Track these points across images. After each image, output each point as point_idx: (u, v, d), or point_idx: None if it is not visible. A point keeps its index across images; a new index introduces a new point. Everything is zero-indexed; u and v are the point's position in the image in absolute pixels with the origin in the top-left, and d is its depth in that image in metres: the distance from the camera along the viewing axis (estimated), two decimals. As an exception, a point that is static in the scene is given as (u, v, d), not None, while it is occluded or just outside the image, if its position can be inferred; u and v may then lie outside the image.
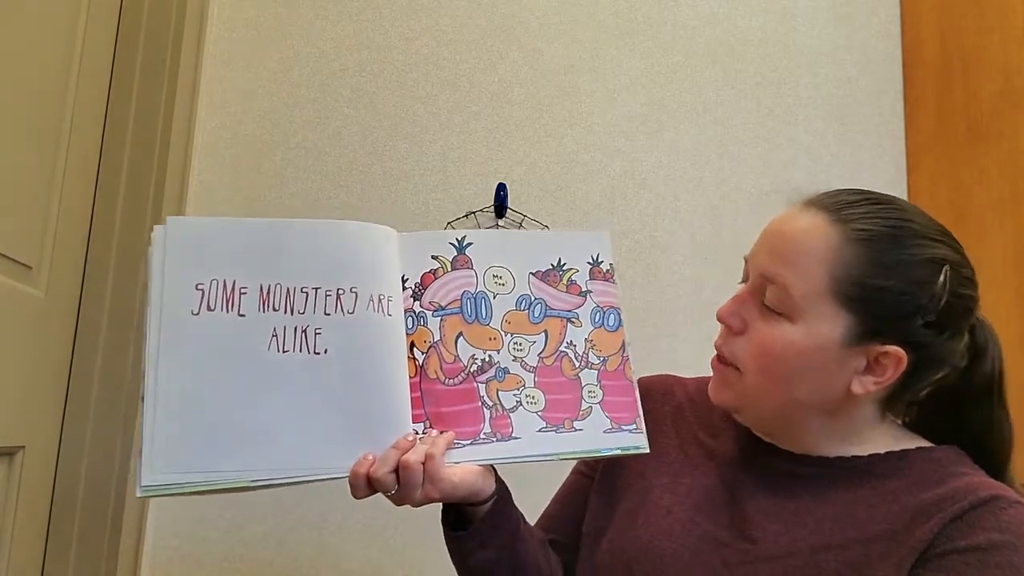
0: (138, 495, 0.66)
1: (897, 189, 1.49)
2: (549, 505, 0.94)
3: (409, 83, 1.46)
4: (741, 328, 0.75)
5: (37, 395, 1.11)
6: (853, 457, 0.75)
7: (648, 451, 0.78)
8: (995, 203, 1.31)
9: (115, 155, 1.25)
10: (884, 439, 0.76)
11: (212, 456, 0.68)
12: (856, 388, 0.72)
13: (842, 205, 0.73)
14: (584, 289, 0.82)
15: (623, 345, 0.81)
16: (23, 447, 1.07)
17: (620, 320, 0.82)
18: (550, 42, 1.50)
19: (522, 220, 1.42)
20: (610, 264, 0.84)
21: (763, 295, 0.73)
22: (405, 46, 1.47)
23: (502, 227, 1.41)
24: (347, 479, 0.71)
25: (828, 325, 0.70)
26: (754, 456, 0.80)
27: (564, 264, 0.83)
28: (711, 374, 0.80)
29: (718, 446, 0.83)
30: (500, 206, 1.40)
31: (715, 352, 0.78)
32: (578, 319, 0.81)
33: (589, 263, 0.83)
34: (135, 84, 1.27)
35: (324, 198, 1.41)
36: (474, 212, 1.41)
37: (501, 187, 1.41)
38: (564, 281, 0.82)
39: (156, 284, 0.72)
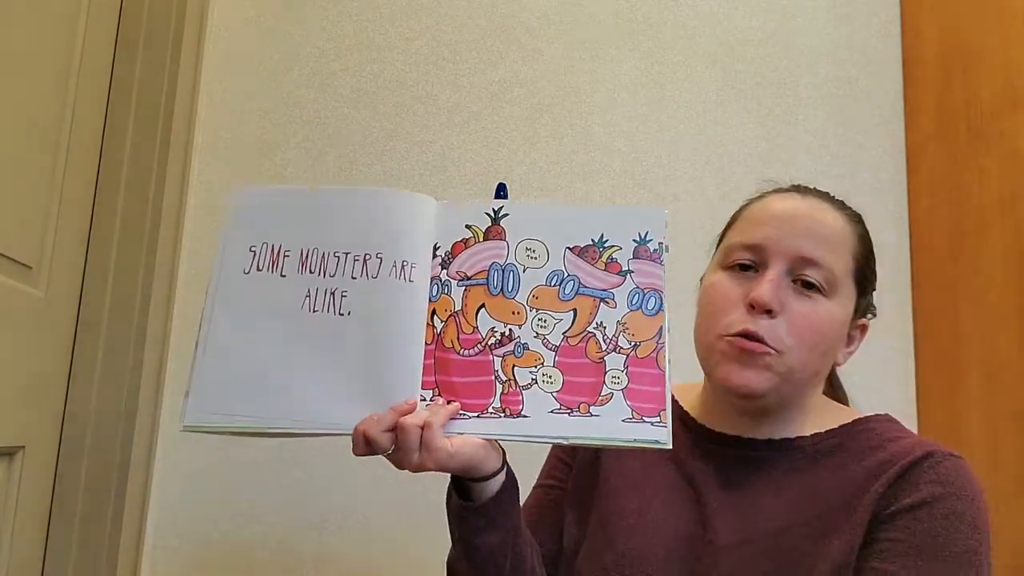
0: (180, 430, 0.75)
1: (897, 189, 1.49)
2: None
3: (409, 83, 1.46)
4: (780, 310, 0.76)
5: (37, 395, 1.11)
6: (798, 438, 0.80)
7: (670, 447, 0.72)
8: (995, 203, 1.31)
9: (115, 155, 1.25)
10: (824, 415, 0.81)
11: (242, 401, 0.75)
12: (840, 359, 0.81)
13: (834, 199, 0.83)
14: (625, 268, 0.78)
15: (660, 331, 0.76)
16: (23, 447, 1.07)
17: (661, 304, 0.77)
18: (550, 42, 1.50)
19: (522, 220, 1.42)
20: (659, 243, 0.78)
21: (797, 276, 0.77)
22: (405, 46, 1.47)
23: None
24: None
25: (848, 302, 0.79)
26: (707, 447, 0.82)
27: (606, 240, 0.78)
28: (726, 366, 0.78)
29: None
30: (500, 206, 1.40)
31: (735, 339, 0.77)
32: (612, 300, 0.77)
33: (635, 241, 0.78)
34: (135, 84, 1.27)
35: (324, 198, 1.41)
36: (474, 212, 1.41)
37: (501, 187, 1.41)
38: (604, 258, 0.78)
39: (221, 246, 0.80)
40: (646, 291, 0.77)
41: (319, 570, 1.31)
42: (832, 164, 1.50)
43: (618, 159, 1.47)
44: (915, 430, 1.42)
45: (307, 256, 0.78)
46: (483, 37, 1.49)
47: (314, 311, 0.77)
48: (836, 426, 0.80)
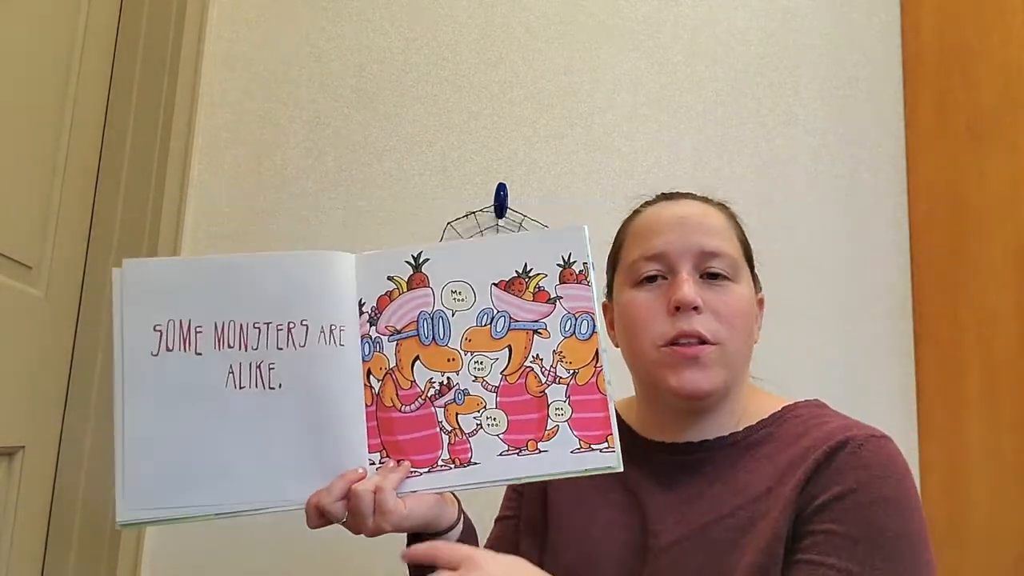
0: (117, 527, 0.72)
1: (897, 189, 1.49)
2: None
3: (409, 83, 1.46)
4: (703, 305, 0.78)
5: (37, 395, 1.11)
6: (731, 434, 0.81)
7: (621, 470, 0.74)
8: (995, 203, 1.31)
9: (115, 155, 1.25)
10: (753, 406, 0.83)
11: (178, 492, 0.72)
12: (756, 336, 0.84)
13: (697, 196, 0.87)
14: (553, 295, 0.77)
15: (596, 354, 0.76)
16: (23, 447, 1.07)
17: (594, 326, 0.76)
18: (550, 42, 1.50)
19: (522, 220, 1.42)
20: (584, 264, 0.77)
21: (704, 271, 0.80)
22: (405, 46, 1.47)
23: (503, 228, 1.41)
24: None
25: (749, 281, 0.84)
26: (645, 457, 0.83)
27: (530, 270, 0.77)
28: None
29: None
30: (500, 206, 1.40)
31: (675, 349, 0.77)
32: (546, 329, 0.76)
33: (559, 265, 0.77)
34: (135, 84, 1.27)
35: (324, 198, 1.41)
36: (474, 212, 1.41)
37: (501, 187, 1.41)
38: (531, 288, 0.77)
39: (117, 327, 0.74)
40: (577, 315, 0.77)
41: (319, 570, 1.31)
42: (832, 164, 1.50)
43: (618, 159, 1.47)
44: (915, 431, 1.42)
45: (223, 330, 0.74)
46: (483, 37, 1.49)
47: (240, 387, 0.73)
48: (766, 416, 0.82)
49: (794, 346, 1.42)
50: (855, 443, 0.73)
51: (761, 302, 0.88)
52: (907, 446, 1.39)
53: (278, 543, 1.31)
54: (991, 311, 1.30)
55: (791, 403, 0.83)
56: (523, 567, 0.69)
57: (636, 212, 0.89)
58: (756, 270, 0.88)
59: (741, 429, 0.82)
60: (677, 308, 0.78)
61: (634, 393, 0.89)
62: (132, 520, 0.72)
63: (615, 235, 0.90)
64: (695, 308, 0.78)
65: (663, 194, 0.89)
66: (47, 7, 1.07)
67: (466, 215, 1.41)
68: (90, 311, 1.20)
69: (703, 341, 0.77)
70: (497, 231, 1.42)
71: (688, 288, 0.78)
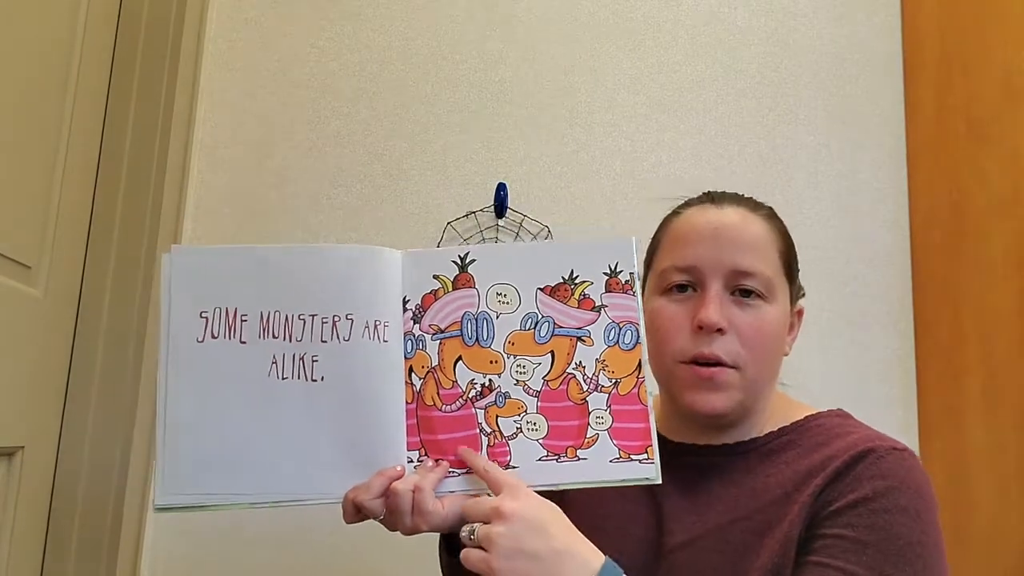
0: (153, 511, 0.73)
1: (897, 189, 1.49)
2: None
3: (409, 83, 1.46)
4: (728, 326, 0.77)
5: (37, 395, 1.11)
6: (752, 440, 0.81)
7: (659, 482, 0.74)
8: (995, 203, 1.31)
9: (115, 155, 1.25)
10: (778, 413, 0.83)
11: (215, 479, 0.72)
12: (787, 350, 0.84)
13: (742, 199, 0.84)
14: (598, 304, 0.77)
15: (639, 365, 0.76)
16: (23, 447, 1.07)
17: (638, 337, 0.76)
18: (550, 42, 1.50)
19: (522, 220, 1.42)
20: (631, 274, 0.77)
21: (735, 288, 0.79)
22: (405, 46, 1.47)
23: (502, 228, 1.41)
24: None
25: (785, 298, 0.82)
26: (666, 457, 0.82)
27: (576, 276, 0.77)
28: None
29: None
30: (500, 206, 1.40)
31: (693, 368, 0.77)
32: (589, 337, 0.76)
33: (606, 274, 0.77)
34: (135, 84, 1.27)
35: (324, 198, 1.41)
36: (474, 212, 1.41)
37: (501, 187, 1.41)
38: (576, 295, 0.77)
39: (164, 312, 0.74)
40: (622, 325, 0.77)
41: (319, 570, 1.31)
42: (832, 164, 1.50)
43: (618, 159, 1.47)
44: (915, 430, 1.41)
45: (268, 320, 0.74)
46: (483, 37, 1.49)
47: (282, 378, 0.73)
48: (788, 423, 0.81)
49: (794, 346, 1.42)
50: (876, 454, 0.73)
51: (799, 314, 0.86)
52: (908, 446, 1.39)
53: (278, 543, 1.31)
54: (991, 311, 1.30)
55: (815, 412, 0.83)
56: (555, 514, 0.69)
57: (676, 212, 0.87)
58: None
59: (763, 435, 0.82)
60: (700, 327, 0.77)
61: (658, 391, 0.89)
62: (169, 504, 0.72)
63: (655, 231, 0.89)
64: (719, 330, 0.77)
65: (707, 193, 0.87)
66: (47, 6, 1.06)
67: (466, 215, 1.41)
68: (90, 311, 1.20)
69: (722, 364, 0.77)
70: (497, 231, 1.41)
71: (713, 309, 0.77)
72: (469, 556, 0.68)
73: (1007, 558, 1.19)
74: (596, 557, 0.68)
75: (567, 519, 0.70)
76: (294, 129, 1.43)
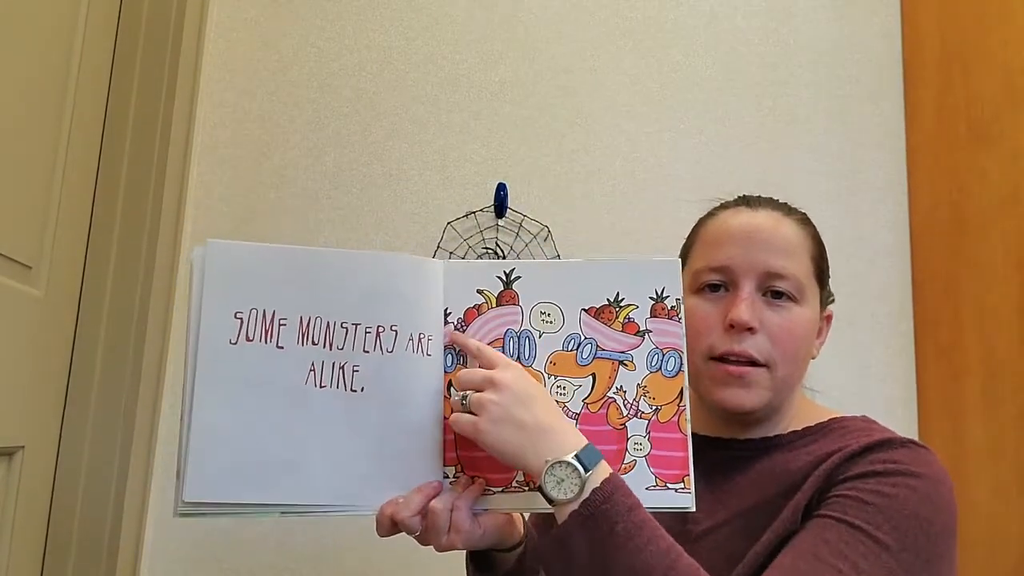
0: (175, 516, 0.68)
1: (897, 189, 1.49)
2: None
3: (409, 83, 1.46)
4: (759, 326, 0.79)
5: (37, 395, 1.11)
6: (776, 436, 0.83)
7: (695, 511, 0.74)
8: (995, 203, 1.31)
9: (115, 155, 1.24)
10: (803, 415, 0.84)
11: (243, 486, 0.69)
12: (815, 353, 0.85)
13: (776, 203, 0.86)
14: (642, 328, 0.75)
15: (680, 393, 0.75)
16: (23, 447, 1.07)
17: (681, 364, 0.75)
18: (550, 42, 1.50)
19: (522, 220, 1.42)
20: (677, 299, 0.76)
21: (767, 289, 0.80)
22: (405, 46, 1.47)
23: (502, 228, 1.41)
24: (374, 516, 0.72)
25: (815, 301, 0.83)
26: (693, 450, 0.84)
27: (622, 299, 0.76)
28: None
29: None
30: (500, 206, 1.40)
31: (723, 365, 0.79)
32: (632, 361, 0.75)
33: (652, 298, 0.76)
34: (135, 84, 1.27)
35: (324, 198, 1.41)
36: (474, 212, 1.41)
37: (501, 187, 1.41)
38: (620, 318, 0.76)
39: (195, 310, 0.70)
40: (665, 351, 0.75)
41: (319, 570, 1.31)
42: (832, 164, 1.50)
43: (618, 159, 1.47)
44: (915, 430, 1.42)
45: (308, 325, 0.71)
46: (483, 37, 1.49)
47: (320, 386, 0.71)
48: (813, 424, 0.83)
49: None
50: (892, 444, 0.74)
51: (828, 319, 0.87)
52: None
53: (278, 543, 1.31)
54: (991, 311, 1.30)
55: (840, 416, 0.84)
56: (545, 393, 0.72)
57: (711, 214, 0.89)
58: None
59: (787, 432, 0.83)
60: (732, 326, 0.78)
61: None
62: (193, 512, 0.68)
63: (689, 231, 0.91)
64: (749, 329, 0.78)
65: (742, 197, 0.88)
66: (47, 7, 1.06)
67: (466, 215, 1.41)
68: (90, 311, 1.20)
69: (753, 362, 0.78)
70: (497, 231, 1.41)
71: (745, 308, 0.78)
72: (459, 420, 0.70)
73: (1006, 558, 1.19)
74: (578, 439, 0.69)
75: (556, 403, 0.72)
76: (294, 129, 1.43)
